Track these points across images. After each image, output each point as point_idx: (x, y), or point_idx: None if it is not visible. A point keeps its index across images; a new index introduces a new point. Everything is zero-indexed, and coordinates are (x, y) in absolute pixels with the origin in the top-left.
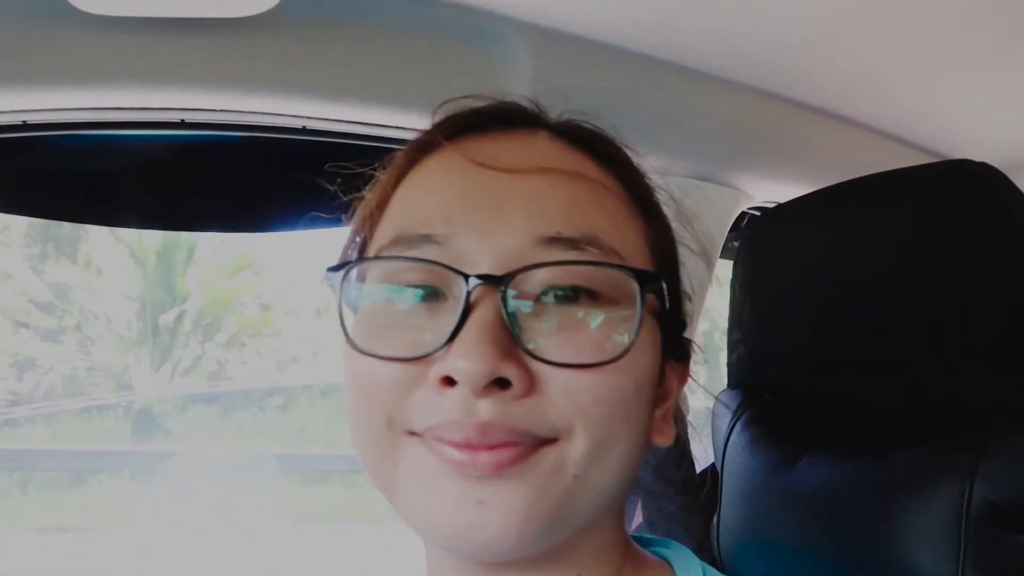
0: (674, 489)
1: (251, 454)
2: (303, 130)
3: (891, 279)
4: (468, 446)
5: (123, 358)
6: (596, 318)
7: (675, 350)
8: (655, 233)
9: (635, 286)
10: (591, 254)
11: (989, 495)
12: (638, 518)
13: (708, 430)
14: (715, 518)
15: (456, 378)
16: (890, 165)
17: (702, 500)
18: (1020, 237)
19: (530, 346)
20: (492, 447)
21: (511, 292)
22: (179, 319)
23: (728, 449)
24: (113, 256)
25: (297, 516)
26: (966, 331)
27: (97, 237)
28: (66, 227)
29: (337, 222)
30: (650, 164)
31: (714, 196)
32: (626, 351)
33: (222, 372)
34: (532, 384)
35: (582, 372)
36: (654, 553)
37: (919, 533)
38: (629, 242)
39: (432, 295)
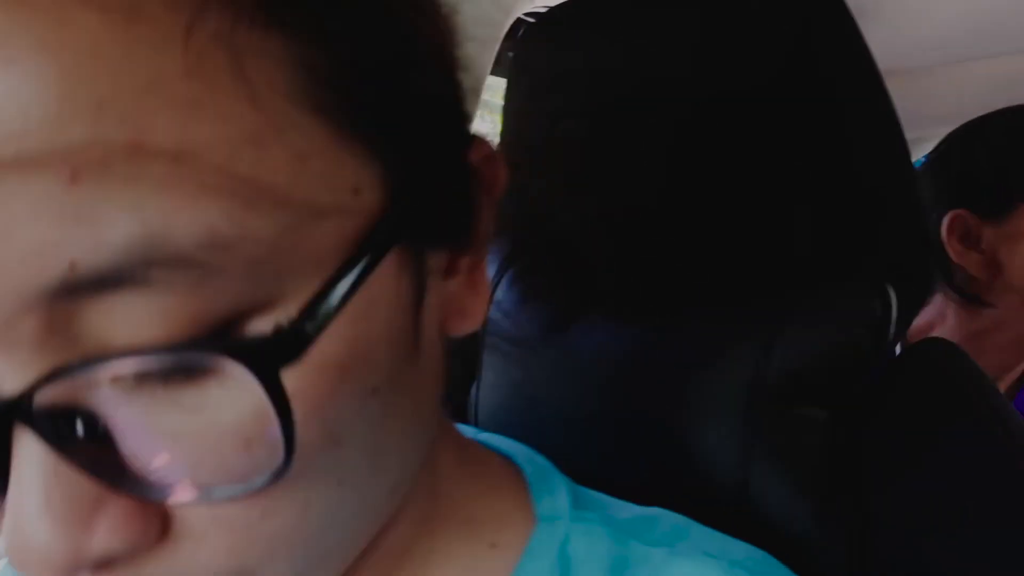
0: None
1: None
2: None
3: (682, 102)
4: None
5: None
6: (212, 411)
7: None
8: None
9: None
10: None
11: (786, 365)
12: None
13: None
14: (475, 383)
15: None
16: None
17: (459, 361)
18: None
19: (121, 483)
20: None
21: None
22: None
23: (493, 305)
24: None
25: None
26: (789, 172)
27: None
28: None
29: None
30: None
31: None
32: (279, 472)
33: None
34: (162, 529)
35: (229, 505)
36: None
37: (706, 410)
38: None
39: None
